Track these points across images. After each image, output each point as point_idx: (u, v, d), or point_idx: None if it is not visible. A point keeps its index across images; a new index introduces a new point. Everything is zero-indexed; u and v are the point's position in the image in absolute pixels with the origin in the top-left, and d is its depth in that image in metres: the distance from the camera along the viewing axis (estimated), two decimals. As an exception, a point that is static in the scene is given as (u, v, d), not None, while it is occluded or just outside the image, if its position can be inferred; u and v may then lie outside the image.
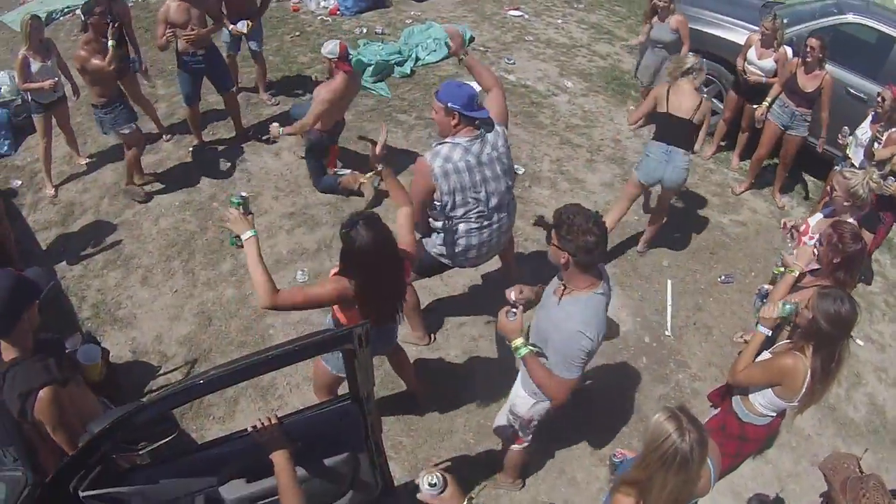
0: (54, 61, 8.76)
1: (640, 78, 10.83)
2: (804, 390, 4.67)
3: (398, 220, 5.04)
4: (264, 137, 9.85)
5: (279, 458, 3.70)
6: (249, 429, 3.79)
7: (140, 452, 3.86)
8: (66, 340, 6.16)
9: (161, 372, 6.94)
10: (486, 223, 6.06)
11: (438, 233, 6.13)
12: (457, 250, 6.18)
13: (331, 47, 8.14)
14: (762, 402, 4.97)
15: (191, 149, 10.00)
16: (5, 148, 9.89)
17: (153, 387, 6.76)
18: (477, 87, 6.16)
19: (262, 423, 3.76)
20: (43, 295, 4.16)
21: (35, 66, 8.46)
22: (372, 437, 4.36)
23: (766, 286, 6.22)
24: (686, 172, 7.78)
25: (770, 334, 5.09)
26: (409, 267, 5.07)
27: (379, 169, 5.34)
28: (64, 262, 8.19)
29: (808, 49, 8.46)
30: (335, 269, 4.75)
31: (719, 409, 5.59)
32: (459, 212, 5.91)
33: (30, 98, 8.80)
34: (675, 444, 3.24)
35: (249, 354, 3.67)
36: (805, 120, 8.87)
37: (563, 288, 4.41)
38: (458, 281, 7.82)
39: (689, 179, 9.27)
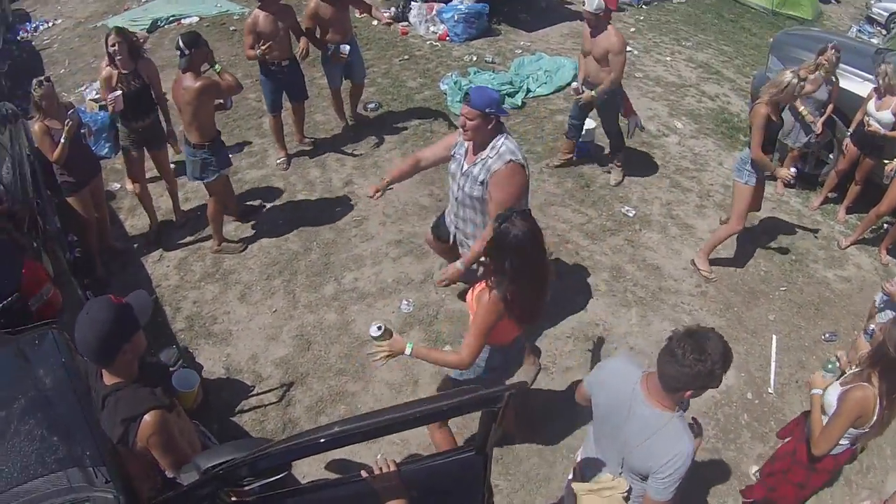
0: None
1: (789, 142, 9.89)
2: (876, 417, 4.65)
3: None
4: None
5: None
6: (364, 473, 3.60)
7: (247, 489, 3.67)
8: (160, 354, 6.11)
9: (254, 392, 6.83)
10: None
11: None
12: None
13: (597, 3, 8.52)
14: None
15: (278, 161, 10.06)
16: (105, 150, 9.91)
17: (244, 406, 6.68)
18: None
19: (380, 468, 3.56)
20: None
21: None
22: (488, 493, 4.15)
23: (872, 326, 5.95)
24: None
25: (821, 393, 5.03)
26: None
27: None
28: (160, 271, 8.18)
29: None
30: (479, 287, 4.78)
31: (791, 437, 5.58)
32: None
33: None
34: None
35: (388, 409, 3.42)
36: None
37: None
38: (566, 324, 7.65)
39: (796, 232, 9.46)
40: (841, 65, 9.87)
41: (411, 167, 6.53)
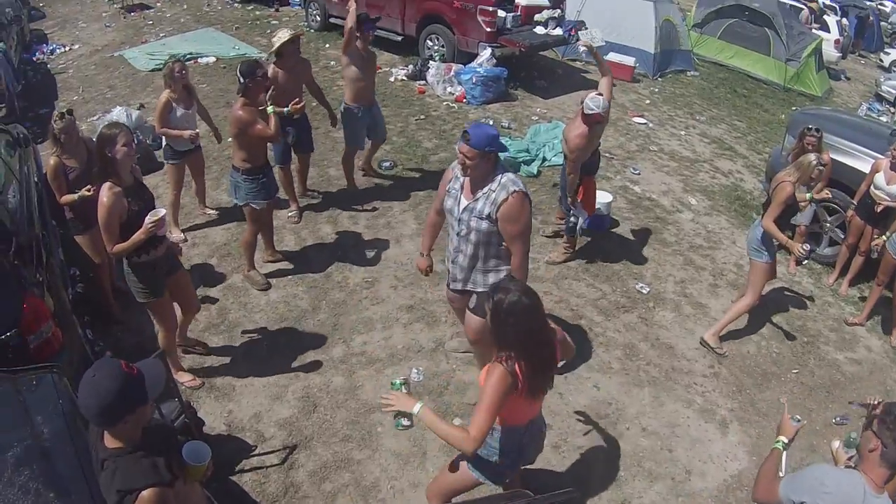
0: (195, 109, 8.73)
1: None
2: None
3: None
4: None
5: None
6: None
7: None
8: (161, 406, 5.89)
9: (256, 453, 6.61)
10: None
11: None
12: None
13: (598, 103, 8.30)
14: None
15: (290, 214, 10.02)
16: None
17: (245, 466, 6.44)
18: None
19: None
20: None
21: (179, 111, 8.49)
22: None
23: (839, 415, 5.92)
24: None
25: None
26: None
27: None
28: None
29: None
30: (487, 366, 4.50)
31: None
32: None
33: (163, 143, 8.72)
34: None
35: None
36: None
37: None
38: (578, 402, 7.49)
39: (808, 313, 9.41)
40: (852, 143, 10.17)
41: (436, 225, 6.70)
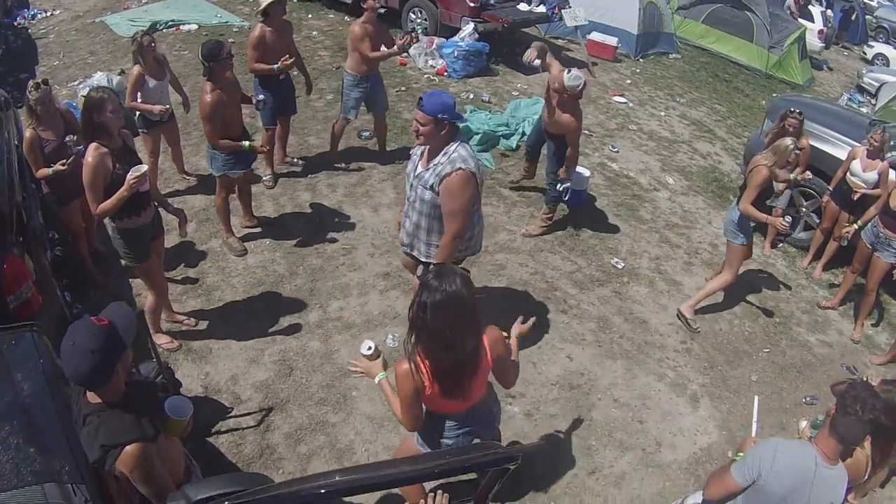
0: (167, 79, 8.71)
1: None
2: (866, 476, 4.95)
3: None
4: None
5: None
6: None
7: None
8: (140, 365, 5.90)
9: (232, 414, 6.66)
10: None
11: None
12: (473, 241, 6.49)
13: (577, 75, 8.45)
14: None
15: (265, 178, 10.00)
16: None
17: (221, 428, 6.49)
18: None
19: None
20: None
21: (151, 83, 8.42)
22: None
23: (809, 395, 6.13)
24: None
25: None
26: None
27: None
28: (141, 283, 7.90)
29: None
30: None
31: None
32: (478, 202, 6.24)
33: (136, 115, 8.67)
34: None
35: (398, 462, 3.32)
36: (890, 245, 8.54)
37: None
38: (551, 372, 7.58)
39: (781, 294, 9.49)
40: (831, 131, 10.31)
41: None
